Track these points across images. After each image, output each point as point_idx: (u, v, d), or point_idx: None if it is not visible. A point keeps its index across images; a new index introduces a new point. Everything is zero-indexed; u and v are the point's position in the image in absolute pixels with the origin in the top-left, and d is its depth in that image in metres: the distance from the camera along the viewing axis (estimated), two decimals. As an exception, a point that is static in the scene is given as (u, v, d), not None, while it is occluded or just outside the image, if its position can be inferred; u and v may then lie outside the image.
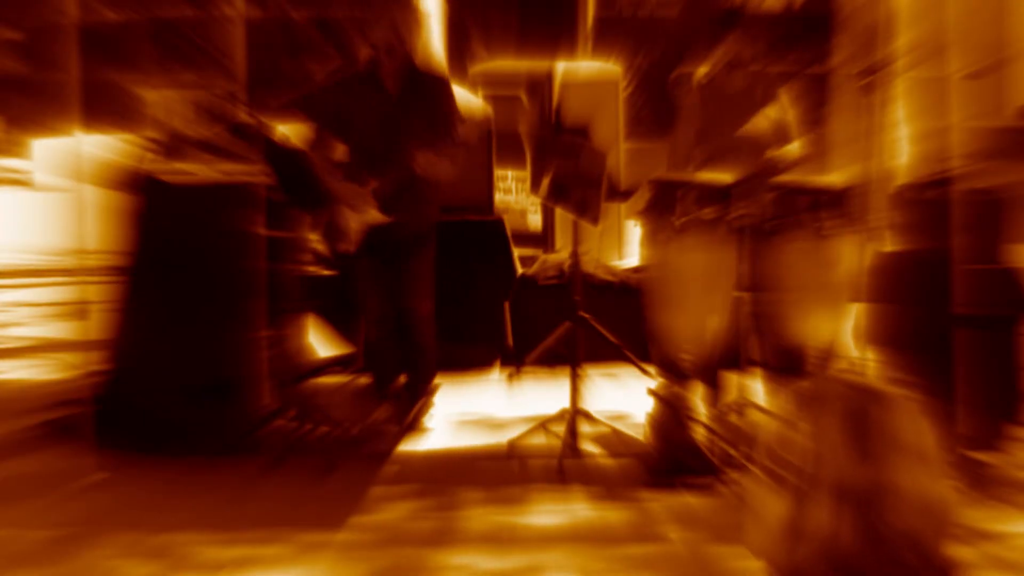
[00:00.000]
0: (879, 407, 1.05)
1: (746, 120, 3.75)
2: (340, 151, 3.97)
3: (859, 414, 1.06)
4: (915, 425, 1.03)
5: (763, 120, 3.77)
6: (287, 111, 3.99)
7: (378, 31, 3.92)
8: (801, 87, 3.90)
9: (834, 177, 3.59)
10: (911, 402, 1.03)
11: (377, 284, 4.00)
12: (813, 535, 1.08)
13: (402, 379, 4.10)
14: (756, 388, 3.48)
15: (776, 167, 3.53)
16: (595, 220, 3.48)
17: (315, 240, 4.33)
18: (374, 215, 3.79)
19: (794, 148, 3.77)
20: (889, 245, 3.57)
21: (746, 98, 3.79)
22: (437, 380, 4.14)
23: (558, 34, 7.75)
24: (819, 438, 1.07)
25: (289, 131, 4.06)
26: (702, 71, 3.84)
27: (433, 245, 4.05)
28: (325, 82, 4.07)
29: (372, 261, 3.95)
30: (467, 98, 4.01)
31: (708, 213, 3.31)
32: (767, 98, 3.80)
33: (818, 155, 3.85)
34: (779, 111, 3.80)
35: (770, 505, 1.05)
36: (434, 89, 3.89)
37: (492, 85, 6.00)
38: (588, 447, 3.67)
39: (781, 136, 3.77)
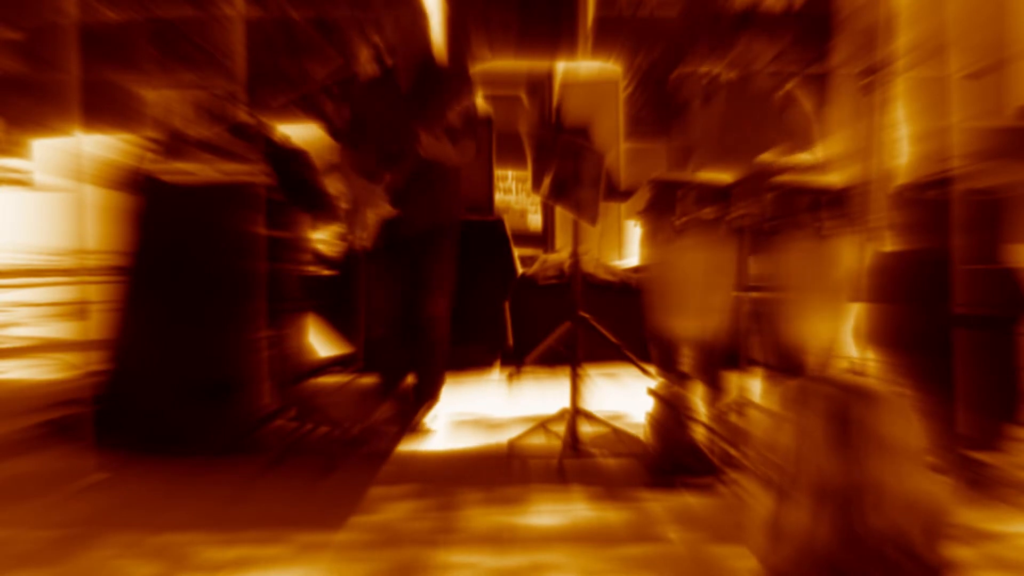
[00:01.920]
0: (862, 405, 1.04)
1: (763, 122, 3.75)
2: (359, 150, 3.97)
3: (841, 413, 1.05)
4: (901, 423, 1.03)
5: (783, 122, 3.76)
6: (287, 111, 3.99)
7: (389, 31, 3.93)
8: (811, 87, 3.90)
9: (834, 177, 3.59)
10: (897, 400, 1.02)
11: (389, 280, 3.98)
12: (793, 534, 1.08)
13: (410, 379, 4.09)
14: (756, 388, 3.48)
15: (781, 167, 3.52)
16: (593, 220, 3.48)
17: (316, 240, 4.34)
18: (385, 208, 3.78)
19: (815, 149, 3.76)
20: (889, 245, 3.57)
21: (763, 100, 3.78)
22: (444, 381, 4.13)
23: (558, 34, 7.75)
24: (800, 437, 1.06)
25: (289, 131, 4.06)
26: (713, 72, 3.83)
27: (453, 243, 4.02)
28: (330, 82, 4.07)
29: (385, 257, 3.93)
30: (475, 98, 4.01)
31: (708, 213, 3.31)
32: (785, 99, 3.79)
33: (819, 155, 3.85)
34: (801, 111, 3.79)
35: (760, 504, 1.04)
36: (452, 84, 3.88)
37: (492, 85, 5.99)
38: (588, 447, 3.66)
39: (803, 137, 3.75)
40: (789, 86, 3.82)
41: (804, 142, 3.75)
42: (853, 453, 1.04)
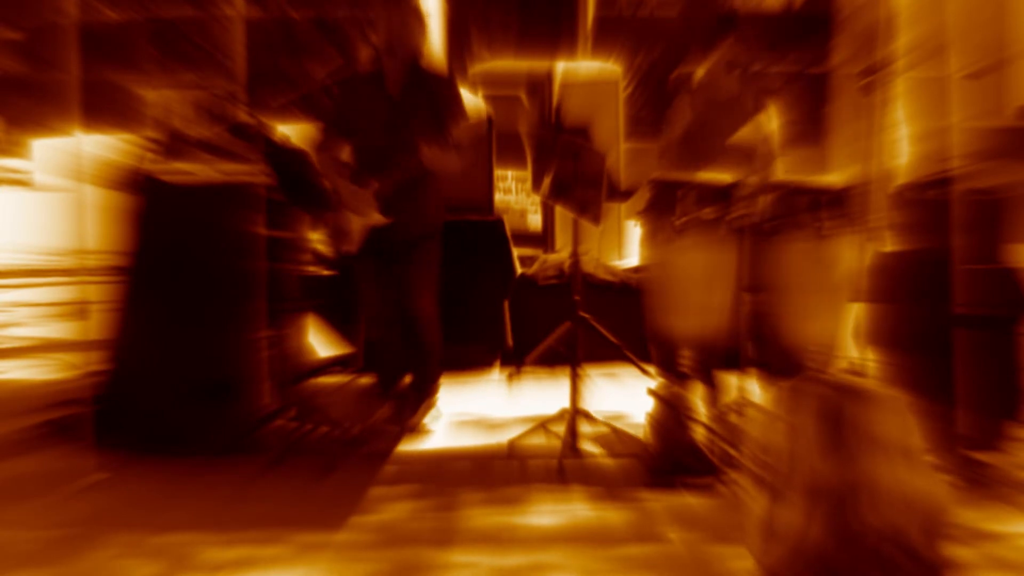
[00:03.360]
0: (855, 404, 1.04)
1: (737, 124, 3.75)
2: (345, 152, 3.97)
3: (834, 412, 1.05)
4: (895, 422, 1.02)
5: (752, 127, 3.76)
6: (287, 111, 3.99)
7: (381, 31, 3.92)
8: (796, 89, 3.89)
9: (834, 177, 3.59)
10: (891, 399, 1.01)
11: (379, 284, 3.99)
12: (786, 534, 1.07)
13: (407, 379, 4.09)
14: (756, 388, 3.48)
15: (766, 170, 3.52)
16: (596, 220, 3.48)
17: (316, 240, 4.33)
18: (375, 217, 3.79)
19: (780, 155, 3.76)
20: (889, 245, 3.57)
21: (738, 102, 3.78)
22: (440, 380, 4.13)
23: (558, 34, 7.75)
24: (793, 436, 1.06)
25: (289, 131, 4.06)
26: (698, 73, 3.83)
27: (438, 245, 4.03)
28: (329, 82, 4.07)
29: (374, 261, 3.95)
30: (468, 98, 4.01)
31: (708, 213, 3.31)
32: (759, 103, 3.79)
33: (818, 155, 3.85)
34: (767, 119, 3.79)
35: (756, 504, 1.03)
36: (440, 89, 3.89)
37: (492, 85, 5.99)
38: (588, 447, 3.67)
39: (767, 144, 3.76)
40: (762, 94, 3.81)
41: (759, 154, 3.75)
42: (845, 452, 1.04)
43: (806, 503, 1.06)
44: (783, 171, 3.65)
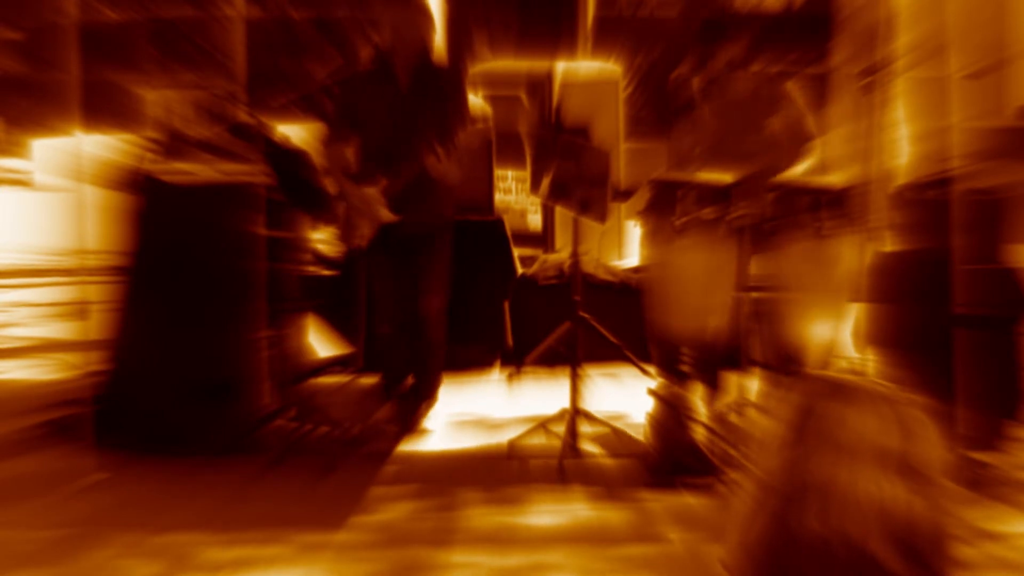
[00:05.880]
0: (831, 403, 1.02)
1: (756, 121, 3.74)
2: (352, 149, 3.97)
3: (805, 408, 1.03)
4: (878, 425, 1.00)
5: (775, 121, 3.75)
6: (287, 111, 3.98)
7: (387, 29, 3.92)
8: (805, 87, 3.88)
9: (834, 177, 3.59)
10: (884, 402, 0.99)
11: (390, 280, 3.98)
12: (736, 527, 1.06)
13: (410, 379, 4.09)
14: (756, 388, 3.48)
15: (779, 167, 3.51)
16: (602, 218, 3.48)
17: (316, 240, 4.33)
18: (385, 214, 3.78)
19: (812, 147, 3.73)
20: (889, 245, 3.57)
21: (755, 99, 3.77)
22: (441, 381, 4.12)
23: (558, 34, 7.74)
24: (766, 431, 1.05)
25: (289, 131, 4.06)
26: (706, 73, 3.83)
27: (448, 240, 4.03)
28: (337, 79, 4.06)
29: (385, 258, 3.93)
30: (471, 99, 4.01)
31: (708, 213, 3.31)
32: (777, 99, 3.77)
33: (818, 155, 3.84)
34: (794, 110, 3.76)
35: (735, 500, 1.03)
36: (448, 85, 3.88)
37: (492, 85, 5.99)
38: (588, 447, 3.66)
39: (796, 136, 3.72)
40: (784, 86, 3.81)
41: (799, 142, 3.73)
42: (802, 449, 1.02)
43: (758, 497, 1.05)
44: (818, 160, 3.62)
